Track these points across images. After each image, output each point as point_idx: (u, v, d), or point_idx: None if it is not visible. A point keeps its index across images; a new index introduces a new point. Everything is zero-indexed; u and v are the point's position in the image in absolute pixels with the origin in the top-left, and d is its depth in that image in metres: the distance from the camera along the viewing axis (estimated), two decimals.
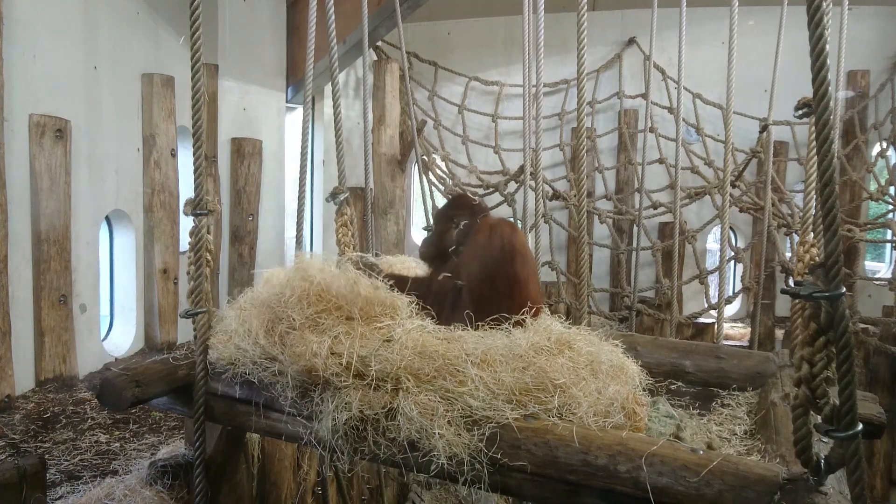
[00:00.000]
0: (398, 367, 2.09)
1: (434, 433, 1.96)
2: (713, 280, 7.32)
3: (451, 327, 2.32)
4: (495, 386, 2.03)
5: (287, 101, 7.76)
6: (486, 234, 2.49)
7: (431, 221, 2.90)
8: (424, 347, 2.16)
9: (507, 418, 1.97)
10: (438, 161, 8.62)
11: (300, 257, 2.56)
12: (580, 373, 2.14)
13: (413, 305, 2.40)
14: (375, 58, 8.26)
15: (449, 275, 2.52)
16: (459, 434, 1.97)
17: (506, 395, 2.03)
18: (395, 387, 2.11)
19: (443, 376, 2.08)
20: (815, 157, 1.78)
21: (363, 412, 2.08)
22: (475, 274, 2.45)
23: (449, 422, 1.98)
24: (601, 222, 8.10)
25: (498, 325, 2.31)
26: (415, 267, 3.10)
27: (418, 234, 9.61)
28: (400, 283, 2.48)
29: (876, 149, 8.39)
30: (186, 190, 6.21)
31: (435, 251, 2.68)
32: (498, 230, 2.50)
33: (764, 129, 5.50)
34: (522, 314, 2.33)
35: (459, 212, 2.64)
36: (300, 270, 2.42)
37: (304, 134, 3.56)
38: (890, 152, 8.36)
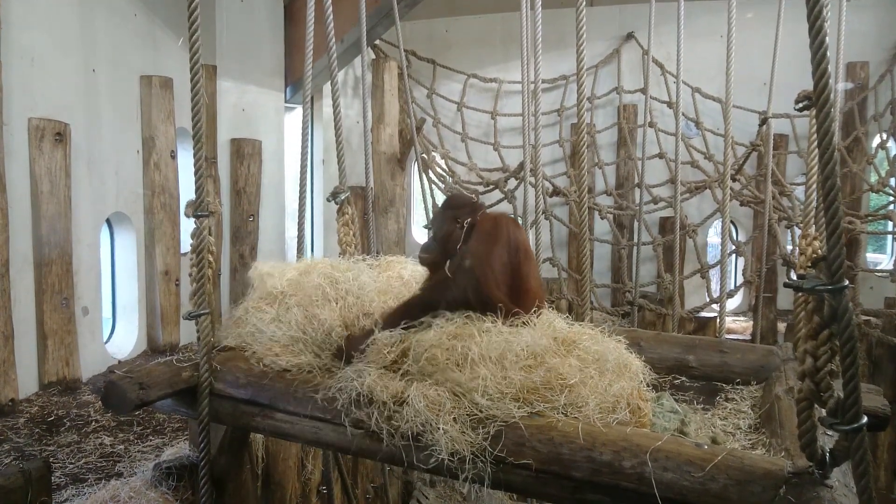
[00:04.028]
0: (427, 350, 2.12)
1: (438, 428, 1.96)
2: (714, 274, 7.32)
3: (463, 322, 2.25)
4: (504, 384, 2.03)
5: (286, 101, 7.75)
6: (492, 226, 2.45)
7: (431, 224, 2.80)
8: (440, 340, 2.16)
9: (514, 416, 1.97)
10: (438, 159, 8.62)
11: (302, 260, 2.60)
12: (588, 371, 2.13)
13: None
14: (374, 56, 8.25)
15: (457, 266, 2.42)
16: (464, 432, 1.97)
17: (513, 393, 2.03)
18: (403, 369, 2.16)
19: (452, 369, 2.08)
20: (816, 150, 1.78)
21: (373, 392, 2.09)
22: (481, 257, 2.36)
23: (455, 419, 1.98)
24: (602, 218, 8.08)
25: (509, 322, 2.27)
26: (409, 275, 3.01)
27: (419, 232, 9.61)
28: (400, 313, 2.39)
29: (876, 140, 8.37)
30: (187, 191, 6.21)
31: (441, 256, 2.50)
32: (503, 222, 2.48)
33: (763, 122, 5.49)
34: (532, 313, 2.31)
35: (460, 211, 2.55)
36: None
37: (304, 133, 3.55)
38: (890, 143, 8.34)
